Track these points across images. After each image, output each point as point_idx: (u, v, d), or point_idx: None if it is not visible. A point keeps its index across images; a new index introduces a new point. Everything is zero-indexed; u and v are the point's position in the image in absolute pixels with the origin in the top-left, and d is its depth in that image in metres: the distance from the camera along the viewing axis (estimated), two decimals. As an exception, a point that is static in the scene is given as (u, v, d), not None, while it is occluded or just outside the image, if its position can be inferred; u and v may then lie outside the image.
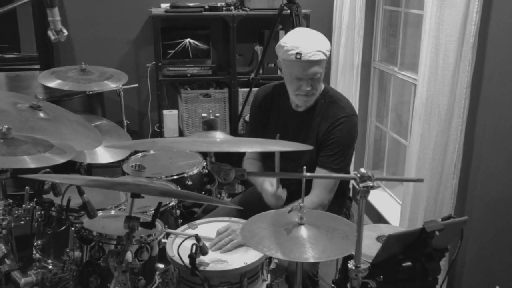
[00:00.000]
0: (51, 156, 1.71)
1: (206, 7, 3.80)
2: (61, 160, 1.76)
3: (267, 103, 2.36)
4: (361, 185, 1.25)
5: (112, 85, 2.96)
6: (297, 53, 2.05)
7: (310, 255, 1.54)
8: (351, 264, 1.34)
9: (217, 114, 1.23)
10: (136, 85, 3.39)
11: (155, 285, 1.91)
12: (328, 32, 3.80)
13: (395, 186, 3.59)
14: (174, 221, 2.49)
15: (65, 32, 2.11)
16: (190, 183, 2.80)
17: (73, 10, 3.93)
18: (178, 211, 2.47)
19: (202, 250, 1.92)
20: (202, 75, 3.86)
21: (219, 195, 3.06)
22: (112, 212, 2.02)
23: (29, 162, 1.71)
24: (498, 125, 2.20)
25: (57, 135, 2.17)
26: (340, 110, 2.20)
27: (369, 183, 1.25)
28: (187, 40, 3.89)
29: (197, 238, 1.90)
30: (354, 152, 2.30)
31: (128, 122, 3.38)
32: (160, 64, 3.86)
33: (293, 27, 3.48)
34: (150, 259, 1.86)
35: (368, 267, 1.33)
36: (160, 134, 3.99)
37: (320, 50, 2.07)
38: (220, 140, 1.25)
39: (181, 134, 4.00)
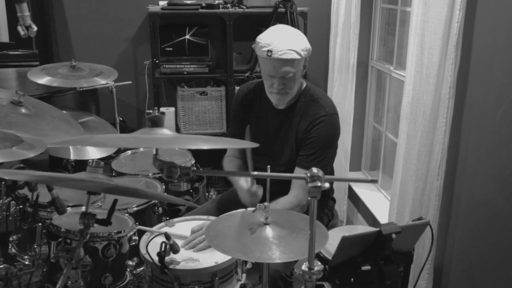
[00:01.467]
0: (18, 151, 1.70)
1: (203, 4, 3.79)
2: (30, 154, 1.76)
3: (249, 100, 2.33)
4: (309, 185, 1.22)
5: (102, 82, 2.97)
6: (268, 50, 2.03)
7: (269, 256, 1.52)
8: (304, 266, 1.31)
9: (163, 111, 1.20)
10: (129, 82, 3.40)
11: (125, 282, 1.90)
12: (325, 31, 3.77)
13: (390, 187, 3.53)
14: (157, 218, 2.48)
15: (35, 27, 2.11)
16: (176, 181, 2.80)
17: (72, 7, 3.96)
18: (160, 209, 2.46)
19: (173, 248, 1.91)
20: (199, 73, 3.85)
21: (207, 194, 3.05)
22: (83, 208, 2.01)
23: (-3, 156, 1.71)
24: (484, 126, 2.14)
25: (36, 131, 2.17)
26: (320, 109, 2.16)
27: (318, 183, 1.21)
28: (185, 37, 3.88)
29: (167, 236, 1.89)
30: (335, 152, 2.26)
31: (120, 119, 3.39)
32: (157, 61, 3.86)
33: (289, 25, 3.46)
34: (119, 256, 1.85)
35: (322, 269, 1.30)
36: (156, 131, 3.99)
37: (293, 49, 2.03)
38: (161, 137, 1.23)
39: (177, 131, 4.00)
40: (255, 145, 1.33)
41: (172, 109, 3.98)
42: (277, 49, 2.01)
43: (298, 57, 2.05)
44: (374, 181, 1.30)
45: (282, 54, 2.01)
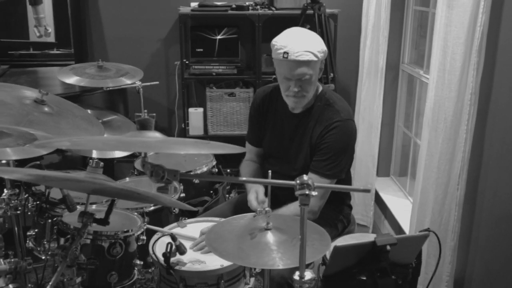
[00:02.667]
0: (30, 149, 1.75)
1: (233, 6, 3.80)
2: (42, 152, 1.81)
3: (266, 104, 2.32)
4: (297, 192, 1.20)
5: (127, 82, 3.02)
6: (284, 52, 2.01)
7: (265, 262, 1.50)
8: (296, 275, 1.28)
9: (154, 114, 1.20)
10: (157, 82, 3.44)
11: (132, 281, 1.93)
12: (356, 33, 3.70)
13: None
14: (174, 218, 2.50)
15: (49, 29, 2.16)
16: (197, 181, 2.82)
17: (107, 9, 4.05)
18: (177, 209, 2.48)
19: (179, 249, 1.92)
20: (227, 74, 3.86)
21: (227, 195, 3.05)
22: (93, 207, 2.05)
23: (11, 154, 1.76)
24: (508, 136, 2.04)
25: (55, 129, 2.23)
26: (334, 114, 2.12)
27: (306, 191, 1.18)
28: (216, 38, 3.91)
29: (173, 237, 1.90)
30: (350, 158, 2.20)
31: (146, 118, 3.43)
32: (187, 62, 3.90)
33: (316, 27, 3.42)
34: (126, 255, 1.88)
35: (313, 278, 1.27)
36: (185, 132, 4.03)
37: (309, 50, 2.00)
38: (145, 140, 1.23)
39: (205, 132, 4.03)
40: (241, 149, 1.31)
41: (201, 109, 4.01)
42: (293, 51, 1.99)
43: (314, 58, 2.02)
44: (366, 191, 1.25)
45: (299, 56, 1.99)
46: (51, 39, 5.74)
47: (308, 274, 1.26)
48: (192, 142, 1.32)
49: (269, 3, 3.90)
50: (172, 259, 1.91)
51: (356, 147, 3.66)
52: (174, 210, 2.46)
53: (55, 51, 4.77)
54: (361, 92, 3.56)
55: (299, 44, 2.01)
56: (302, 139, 2.20)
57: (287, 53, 2.00)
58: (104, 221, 1.47)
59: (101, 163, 1.45)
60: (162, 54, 4.15)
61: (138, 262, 1.94)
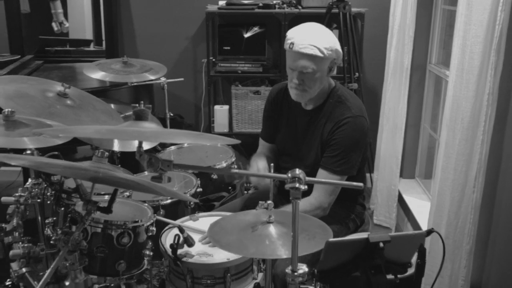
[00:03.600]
0: (46, 138, 1.82)
1: (260, 4, 3.82)
2: (58, 142, 1.88)
3: (280, 99, 2.33)
4: (287, 185, 1.20)
5: (151, 77, 3.08)
6: (290, 43, 2.04)
7: (263, 252, 1.51)
8: (288, 269, 1.29)
9: (150, 105, 1.21)
10: (182, 79, 3.49)
11: (141, 270, 1.97)
12: (383, 33, 3.65)
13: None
14: (191, 212, 2.54)
15: (66, 24, 2.23)
16: (215, 177, 2.85)
17: (138, 6, 4.14)
18: (193, 203, 2.51)
19: (187, 242, 1.95)
20: (253, 72, 3.89)
21: (245, 191, 3.07)
22: (106, 197, 2.10)
23: (28, 143, 1.84)
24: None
25: (75, 121, 2.30)
26: (345, 110, 2.11)
27: (296, 185, 1.19)
28: (243, 37, 3.94)
29: (180, 229, 1.94)
30: (362, 155, 2.17)
31: (171, 114, 3.50)
32: (214, 60, 3.95)
33: (341, 26, 3.40)
34: (135, 245, 1.92)
35: (305, 272, 1.27)
36: (209, 129, 4.08)
37: (314, 45, 2.01)
38: (139, 130, 1.26)
39: (230, 129, 4.06)
40: (236, 141, 1.33)
41: (226, 107, 4.05)
42: (298, 43, 2.02)
43: (319, 54, 2.01)
44: (359, 187, 1.24)
45: (302, 48, 2.01)
46: (89, 36, 5.91)
47: (301, 268, 1.27)
48: (185, 133, 1.35)
49: (297, 2, 3.90)
50: (181, 251, 1.95)
51: (379, 148, 3.65)
52: (190, 204, 2.50)
53: (91, 48, 4.91)
54: (386, 92, 3.51)
55: (306, 37, 2.03)
56: (313, 136, 2.20)
57: (293, 44, 2.03)
58: (107, 210, 1.52)
59: (106, 153, 1.50)
60: (190, 51, 4.22)
61: (147, 252, 1.98)
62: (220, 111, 4.02)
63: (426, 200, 3.45)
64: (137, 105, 1.35)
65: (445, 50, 3.49)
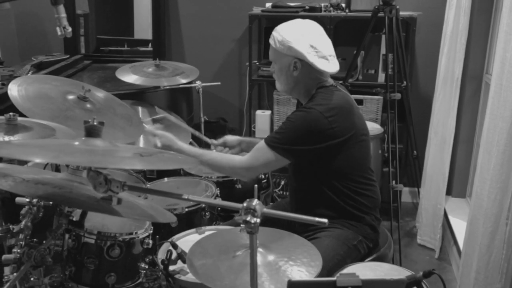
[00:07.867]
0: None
1: (307, 7, 3.66)
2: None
3: None
4: (237, 218, 1.07)
5: (182, 81, 3.03)
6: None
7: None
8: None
9: (103, 121, 1.11)
10: (218, 83, 3.42)
11: (135, 283, 1.91)
12: (437, 39, 3.36)
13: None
14: (207, 222, 2.46)
15: (69, 28, 2.20)
16: (239, 186, 2.75)
17: (185, 8, 4.12)
18: (208, 213, 2.43)
19: (181, 258, 1.86)
20: (296, 78, 3.73)
21: (271, 203, 2.95)
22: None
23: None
24: None
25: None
26: (308, 103, 2.03)
27: (247, 217, 1.05)
28: (289, 40, 3.80)
29: (173, 244, 1.85)
30: (304, 145, 1.98)
31: (206, 118, 3.43)
32: (258, 63, 3.84)
33: (386, 31, 3.17)
34: (128, 257, 1.86)
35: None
36: (250, 134, 3.98)
37: (276, 36, 1.98)
38: (85, 149, 1.16)
39: (272, 135, 3.93)
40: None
41: (268, 112, 3.93)
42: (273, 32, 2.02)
43: (273, 45, 1.99)
44: (322, 223, 1.08)
45: (270, 38, 2.01)
46: (148, 36, 5.99)
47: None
48: (136, 156, 1.22)
49: (346, 5, 3.70)
50: (174, 267, 1.87)
51: (427, 163, 3.37)
52: (206, 214, 2.42)
53: (149, 48, 4.95)
54: (436, 103, 3.24)
55: (278, 27, 2.00)
56: None
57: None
58: (79, 224, 1.45)
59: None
60: (236, 54, 4.14)
61: (143, 265, 1.91)
62: (262, 116, 3.91)
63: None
64: (89, 120, 1.27)
65: (505, 59, 3.16)
